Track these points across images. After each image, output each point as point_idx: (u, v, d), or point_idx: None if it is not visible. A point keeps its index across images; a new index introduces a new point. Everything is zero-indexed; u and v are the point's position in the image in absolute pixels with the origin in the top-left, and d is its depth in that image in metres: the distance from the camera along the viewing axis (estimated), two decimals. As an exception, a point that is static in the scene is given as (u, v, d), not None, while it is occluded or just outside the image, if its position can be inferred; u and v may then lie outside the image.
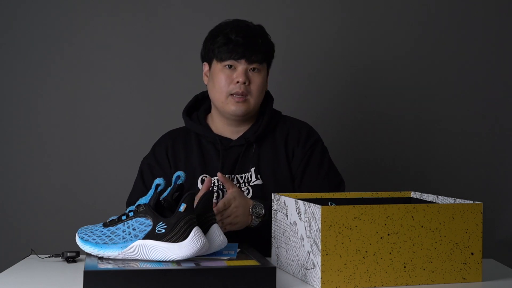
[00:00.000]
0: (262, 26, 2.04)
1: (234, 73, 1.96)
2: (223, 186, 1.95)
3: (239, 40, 1.95)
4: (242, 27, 1.98)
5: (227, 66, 1.96)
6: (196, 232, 1.48)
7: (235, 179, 1.97)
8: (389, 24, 2.81)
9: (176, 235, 1.48)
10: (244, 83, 1.95)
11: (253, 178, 1.98)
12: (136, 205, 1.54)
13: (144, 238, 1.50)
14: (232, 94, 1.96)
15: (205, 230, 1.55)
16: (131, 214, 1.53)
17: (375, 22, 2.80)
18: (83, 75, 2.74)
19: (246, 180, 1.98)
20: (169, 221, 1.48)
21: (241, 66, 1.95)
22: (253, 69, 1.96)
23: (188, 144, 2.05)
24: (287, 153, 2.02)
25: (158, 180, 1.54)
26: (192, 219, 1.49)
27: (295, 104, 2.69)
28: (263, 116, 2.04)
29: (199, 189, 1.94)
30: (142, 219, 1.51)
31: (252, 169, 1.98)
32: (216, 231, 1.56)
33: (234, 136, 2.03)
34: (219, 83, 1.97)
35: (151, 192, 1.54)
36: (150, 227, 1.50)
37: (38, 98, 2.73)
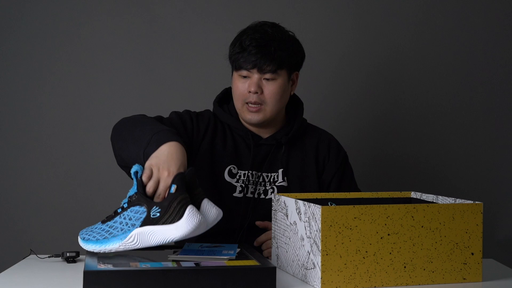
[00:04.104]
0: (282, 29, 1.98)
1: (248, 81, 1.94)
2: (248, 181, 1.95)
3: (252, 50, 1.91)
4: (258, 34, 1.93)
5: (242, 76, 1.94)
6: (190, 210, 1.47)
7: (261, 177, 1.97)
8: (398, 25, 2.81)
9: (171, 216, 1.47)
10: (256, 92, 1.92)
11: (280, 179, 1.97)
12: (127, 197, 1.54)
13: (141, 226, 1.50)
14: (247, 103, 1.95)
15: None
16: (125, 205, 1.53)
17: (384, 24, 2.80)
18: (83, 75, 2.73)
19: (272, 180, 1.97)
20: (162, 204, 1.48)
21: (254, 75, 1.92)
22: (267, 79, 1.93)
23: (223, 131, 2.02)
24: (317, 162, 2.03)
25: (136, 167, 1.55)
26: (185, 199, 1.48)
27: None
28: (295, 120, 2.03)
29: (225, 179, 1.94)
30: (136, 208, 1.51)
31: (280, 171, 1.98)
32: (207, 205, 1.55)
33: (263, 134, 2.02)
34: (236, 91, 1.96)
35: (134, 181, 1.54)
36: (145, 214, 1.50)
37: (38, 98, 2.73)
